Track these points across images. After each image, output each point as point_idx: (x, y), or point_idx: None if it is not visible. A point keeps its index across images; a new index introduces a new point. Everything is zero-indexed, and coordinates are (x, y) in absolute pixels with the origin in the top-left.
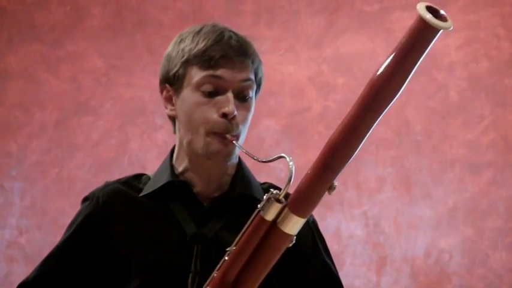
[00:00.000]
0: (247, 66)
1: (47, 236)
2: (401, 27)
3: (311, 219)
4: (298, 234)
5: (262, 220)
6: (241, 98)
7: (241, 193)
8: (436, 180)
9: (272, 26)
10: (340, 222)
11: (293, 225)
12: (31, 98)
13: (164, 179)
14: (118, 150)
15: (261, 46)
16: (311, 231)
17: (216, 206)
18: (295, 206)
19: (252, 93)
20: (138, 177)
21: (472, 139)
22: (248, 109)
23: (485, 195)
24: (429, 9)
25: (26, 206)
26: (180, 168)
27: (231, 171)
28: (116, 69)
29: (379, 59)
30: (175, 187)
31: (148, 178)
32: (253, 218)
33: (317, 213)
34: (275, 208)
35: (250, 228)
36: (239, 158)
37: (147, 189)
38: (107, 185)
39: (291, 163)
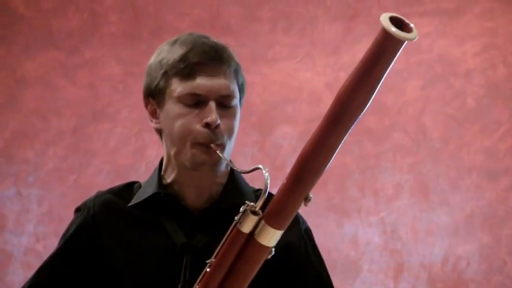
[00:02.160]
0: (223, 71)
1: None
2: (419, 33)
3: (304, 228)
4: (289, 244)
5: (239, 232)
6: (224, 106)
7: (233, 203)
8: (454, 187)
9: (289, 32)
10: (357, 229)
11: (270, 238)
12: (48, 105)
13: (151, 190)
14: (135, 156)
15: (238, 52)
16: (303, 240)
17: (206, 216)
18: (271, 218)
19: (235, 100)
20: (130, 186)
21: (490, 146)
22: (233, 116)
23: (503, 202)
24: (394, 20)
25: (43, 213)
26: (168, 180)
27: (222, 180)
28: (133, 76)
29: (396, 66)
30: (163, 198)
31: (140, 187)
32: (231, 230)
33: (334, 220)
34: (251, 220)
35: (228, 240)
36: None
37: (135, 200)
38: (98, 195)
39: (266, 174)
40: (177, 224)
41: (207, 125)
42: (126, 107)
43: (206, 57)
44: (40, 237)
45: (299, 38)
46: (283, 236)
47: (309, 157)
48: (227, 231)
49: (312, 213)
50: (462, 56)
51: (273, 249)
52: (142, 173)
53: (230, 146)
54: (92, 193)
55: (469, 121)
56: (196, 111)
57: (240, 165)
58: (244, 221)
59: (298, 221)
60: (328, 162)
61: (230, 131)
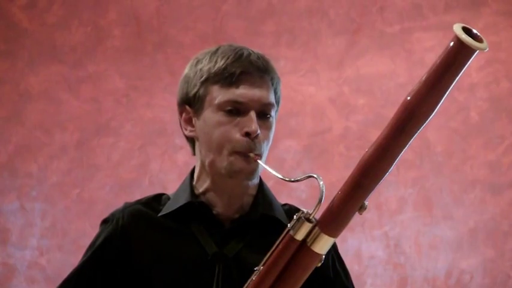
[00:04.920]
0: (266, 82)
1: (67, 256)
2: (422, 48)
3: None
4: None
5: (292, 239)
6: (263, 116)
7: (263, 214)
8: (457, 201)
9: (293, 46)
10: (361, 243)
11: (323, 245)
12: (52, 119)
13: (183, 199)
14: (139, 171)
15: (279, 66)
16: (331, 253)
17: (237, 226)
18: (325, 225)
19: (273, 112)
20: (158, 197)
21: (493, 160)
22: (269, 128)
23: (506, 216)
24: (465, 30)
25: (46, 227)
26: (201, 189)
27: (252, 191)
28: (137, 90)
29: (400, 79)
30: (195, 208)
31: (168, 198)
32: (283, 238)
33: None
34: (305, 227)
35: (279, 247)
36: (260, 178)
37: (166, 209)
38: (126, 206)
39: (321, 182)
40: (208, 233)
41: (247, 134)
42: (129, 121)
43: (251, 67)
44: (44, 251)
45: (302, 52)
46: None
47: (372, 163)
48: (259, 241)
49: None
50: (466, 70)
51: (323, 257)
52: (146, 187)
53: (265, 156)
54: (96, 207)
55: (472, 135)
56: (237, 120)
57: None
58: (298, 228)
59: None
60: (389, 169)
61: (267, 142)
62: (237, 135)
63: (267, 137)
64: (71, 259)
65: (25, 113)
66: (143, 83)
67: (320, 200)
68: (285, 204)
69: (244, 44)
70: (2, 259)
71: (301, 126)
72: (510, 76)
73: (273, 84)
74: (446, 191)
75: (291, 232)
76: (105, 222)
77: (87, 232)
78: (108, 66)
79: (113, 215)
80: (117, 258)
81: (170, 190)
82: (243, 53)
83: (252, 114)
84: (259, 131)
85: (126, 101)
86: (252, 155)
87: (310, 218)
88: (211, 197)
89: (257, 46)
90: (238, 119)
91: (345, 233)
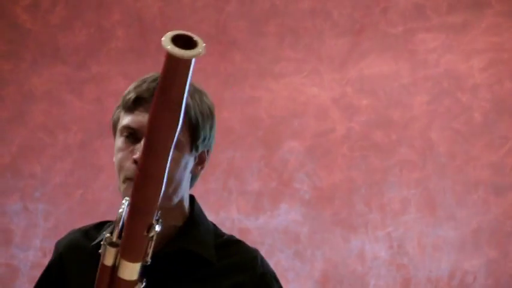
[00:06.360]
0: None
1: None
2: (425, 48)
3: (260, 272)
4: (237, 285)
5: (103, 266)
6: None
7: (181, 248)
8: (460, 202)
9: (296, 47)
10: (364, 244)
11: (130, 271)
12: (55, 120)
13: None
14: None
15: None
16: (256, 285)
17: (153, 261)
18: (123, 251)
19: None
20: (100, 225)
21: (496, 161)
22: None
23: (510, 217)
24: (178, 38)
25: (50, 228)
26: None
27: (178, 223)
28: None
29: (403, 80)
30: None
31: (110, 225)
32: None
33: (341, 235)
34: (111, 253)
35: (97, 276)
36: (193, 208)
37: (98, 239)
38: (69, 234)
39: (121, 209)
40: None
41: (135, 162)
42: None
43: (146, 93)
44: (47, 252)
45: (306, 52)
46: (231, 276)
47: (140, 188)
48: (173, 276)
49: (319, 228)
50: (469, 71)
51: (144, 281)
52: None
53: (174, 187)
54: (99, 208)
55: (475, 136)
56: (131, 147)
57: (246, 180)
58: (105, 253)
59: (254, 265)
60: (161, 188)
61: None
62: (129, 163)
63: None
64: None
65: (28, 114)
66: None
67: (118, 222)
68: (228, 236)
69: (247, 45)
70: (5, 260)
71: (305, 127)
72: None
73: None
74: (449, 191)
75: (102, 258)
76: (55, 245)
77: None
78: (112, 67)
79: (58, 242)
80: (55, 285)
81: None
82: (147, 80)
83: (144, 141)
84: None
85: None
86: None
87: (114, 241)
88: None
89: (260, 47)
90: (133, 146)
91: (348, 234)
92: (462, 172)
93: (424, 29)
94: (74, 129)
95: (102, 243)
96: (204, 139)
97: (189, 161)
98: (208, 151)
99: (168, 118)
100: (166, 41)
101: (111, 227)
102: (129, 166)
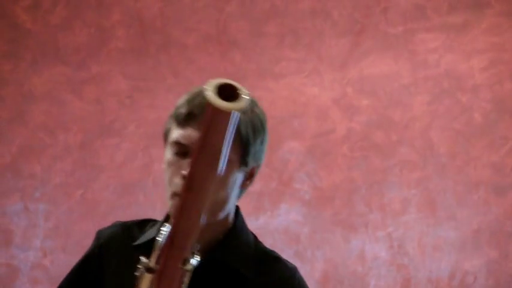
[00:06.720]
0: None
1: (71, 257)
2: (426, 49)
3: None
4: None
5: None
6: None
7: (218, 260)
8: (461, 202)
9: (296, 47)
10: (364, 244)
11: None
12: (55, 120)
13: (154, 232)
14: (142, 172)
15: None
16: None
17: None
18: (159, 280)
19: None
20: (144, 223)
21: (497, 161)
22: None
23: (510, 217)
24: (223, 88)
25: (50, 228)
26: None
27: (219, 234)
28: (140, 91)
29: (404, 80)
30: None
31: (153, 225)
32: None
33: (341, 235)
34: (147, 279)
35: None
36: (237, 220)
37: (141, 240)
38: (112, 226)
39: (164, 230)
40: None
41: (184, 177)
42: (133, 122)
43: (197, 109)
44: (47, 252)
45: (306, 53)
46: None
47: (177, 222)
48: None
49: (319, 228)
50: (469, 71)
51: None
52: (149, 188)
53: (220, 206)
54: (99, 208)
55: (476, 136)
56: (180, 162)
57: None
58: (141, 281)
59: (291, 285)
60: (197, 224)
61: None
62: (177, 179)
63: None
64: (75, 260)
65: (28, 114)
66: (147, 84)
67: (159, 247)
68: (265, 250)
69: (247, 45)
70: (5, 260)
71: (305, 127)
72: None
73: None
74: (449, 192)
75: (137, 282)
76: (96, 233)
77: (91, 233)
78: (112, 67)
79: (100, 231)
80: (93, 276)
81: None
82: (197, 95)
83: (184, 181)
84: None
85: (130, 102)
86: None
87: (152, 266)
88: None
89: (260, 47)
90: (182, 161)
91: (349, 234)
92: (462, 172)
93: (424, 29)
94: (74, 130)
95: (139, 266)
96: (255, 154)
97: (238, 178)
98: (258, 166)
99: (206, 171)
100: (210, 90)
101: (153, 248)
102: (178, 182)
